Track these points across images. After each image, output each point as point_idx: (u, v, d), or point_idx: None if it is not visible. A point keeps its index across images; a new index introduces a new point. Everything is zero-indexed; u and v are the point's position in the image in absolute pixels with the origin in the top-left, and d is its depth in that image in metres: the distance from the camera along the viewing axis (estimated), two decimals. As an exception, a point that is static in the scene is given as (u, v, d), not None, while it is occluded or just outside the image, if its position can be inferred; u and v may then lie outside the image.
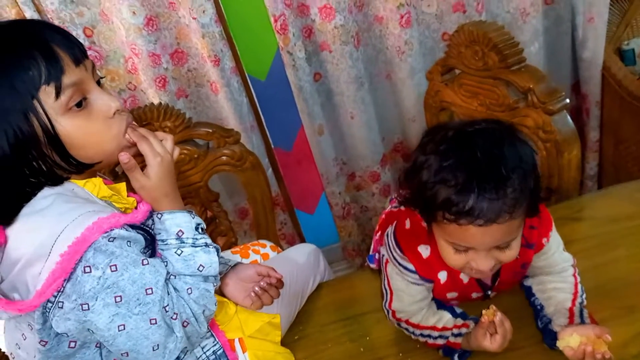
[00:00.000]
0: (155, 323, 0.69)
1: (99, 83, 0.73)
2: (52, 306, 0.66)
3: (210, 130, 1.24)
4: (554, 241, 0.85)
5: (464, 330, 0.83)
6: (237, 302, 0.90)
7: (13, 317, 0.70)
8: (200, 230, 0.78)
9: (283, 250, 1.17)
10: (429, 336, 0.85)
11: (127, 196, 0.80)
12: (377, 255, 1.02)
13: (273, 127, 1.79)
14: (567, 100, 1.08)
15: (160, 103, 1.23)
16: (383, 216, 1.03)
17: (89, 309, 0.65)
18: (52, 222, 0.66)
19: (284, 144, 1.83)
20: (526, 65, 1.14)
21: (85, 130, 0.69)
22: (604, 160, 1.89)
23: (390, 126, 1.85)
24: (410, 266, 0.84)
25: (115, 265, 0.66)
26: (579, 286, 0.85)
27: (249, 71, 1.69)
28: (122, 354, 0.70)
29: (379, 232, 1.03)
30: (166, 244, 0.75)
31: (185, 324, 0.73)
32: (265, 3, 1.51)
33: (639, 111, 1.64)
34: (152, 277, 0.69)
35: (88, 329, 0.68)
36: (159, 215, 0.76)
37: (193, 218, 0.77)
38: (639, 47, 1.82)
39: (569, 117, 1.10)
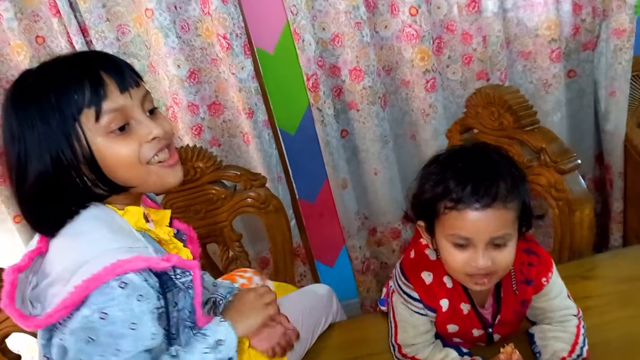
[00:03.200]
0: None
1: (152, 112, 0.78)
2: (57, 328, 0.69)
3: (239, 173, 1.32)
4: (556, 285, 0.87)
5: None
6: (256, 348, 0.90)
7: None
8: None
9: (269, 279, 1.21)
10: None
11: (169, 225, 0.85)
12: (388, 299, 1.05)
13: (299, 179, 1.87)
14: (579, 161, 1.12)
15: (195, 145, 1.33)
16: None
17: (64, 340, 0.68)
18: (80, 249, 0.70)
19: (308, 196, 1.90)
20: (539, 126, 1.19)
21: (118, 152, 0.73)
22: (628, 231, 1.88)
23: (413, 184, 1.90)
24: (415, 294, 0.87)
25: (106, 313, 0.67)
26: (581, 338, 0.85)
27: (280, 125, 1.80)
28: None
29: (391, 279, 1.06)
30: (204, 337, 0.78)
31: None
32: (300, 63, 1.64)
33: (662, 183, 1.65)
34: (129, 344, 0.69)
35: (64, 346, 0.69)
36: (222, 319, 0.82)
37: (236, 345, 0.81)
38: (661, 121, 1.86)
39: (580, 178, 1.13)
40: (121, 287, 0.67)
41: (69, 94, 0.70)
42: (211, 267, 1.42)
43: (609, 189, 1.91)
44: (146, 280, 0.70)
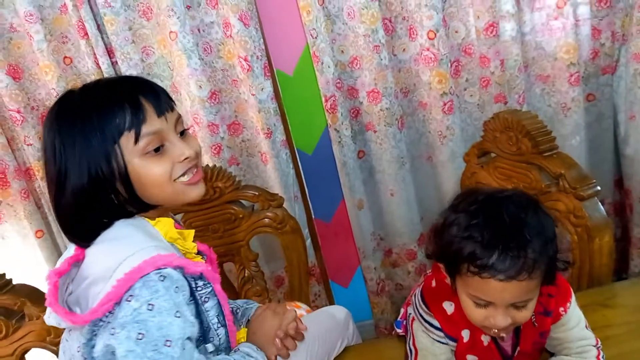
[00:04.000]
0: None
1: (183, 133, 0.83)
2: (102, 325, 0.72)
3: (257, 193, 1.34)
4: (574, 314, 0.86)
5: None
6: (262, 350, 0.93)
7: (72, 329, 0.77)
8: None
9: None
10: None
11: (193, 241, 0.88)
12: (404, 322, 1.05)
13: (315, 198, 1.88)
14: (598, 187, 1.12)
15: (215, 165, 1.35)
16: (416, 291, 1.07)
17: (114, 334, 0.70)
18: (120, 249, 0.75)
19: (324, 216, 1.91)
20: (558, 152, 1.19)
21: (153, 172, 0.78)
22: (649, 257, 1.85)
23: (429, 206, 1.90)
24: (436, 322, 0.87)
25: (153, 305, 0.71)
26: None
27: (298, 145, 1.82)
28: None
29: (409, 305, 1.06)
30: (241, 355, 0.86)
31: None
32: (318, 85, 1.67)
33: (684, 209, 1.62)
34: (177, 331, 0.72)
35: (112, 352, 0.71)
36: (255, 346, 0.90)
37: None
38: (682, 146, 1.83)
39: (599, 204, 1.12)
40: (161, 280, 0.72)
41: (111, 117, 0.75)
42: (227, 286, 1.43)
43: (629, 214, 1.88)
44: (179, 274, 0.75)
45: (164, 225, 0.83)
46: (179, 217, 1.36)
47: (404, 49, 1.70)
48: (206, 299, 0.82)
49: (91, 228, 0.78)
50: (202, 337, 0.83)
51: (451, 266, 0.79)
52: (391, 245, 1.92)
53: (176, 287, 0.74)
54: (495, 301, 0.75)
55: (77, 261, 0.79)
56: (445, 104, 1.70)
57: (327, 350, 1.06)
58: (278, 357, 0.96)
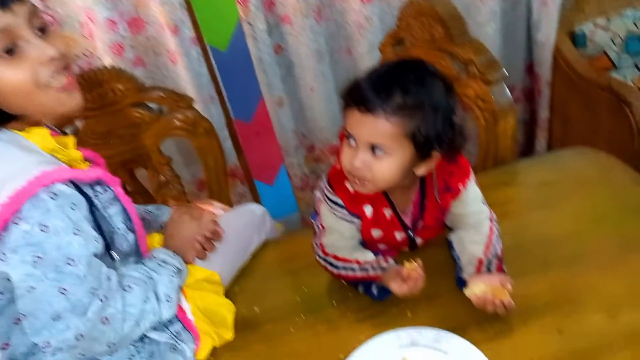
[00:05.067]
0: (65, 293, 0.68)
1: (43, 30, 0.71)
2: None
3: (163, 95, 1.26)
4: (472, 191, 0.91)
5: (383, 264, 0.88)
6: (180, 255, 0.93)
7: None
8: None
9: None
10: (351, 269, 0.91)
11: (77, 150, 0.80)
12: (317, 194, 1.06)
13: (233, 98, 1.80)
14: (505, 72, 1.14)
15: (113, 66, 1.24)
16: None
17: (4, 260, 0.65)
18: None
19: (244, 116, 1.85)
20: (470, 38, 1.18)
21: (11, 78, 0.67)
22: (553, 138, 1.97)
23: (349, 101, 1.89)
24: (339, 201, 0.90)
25: (47, 226, 0.66)
26: (494, 237, 0.90)
27: (210, 41, 1.69)
28: (21, 315, 0.69)
29: None
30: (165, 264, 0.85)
31: (105, 320, 0.73)
32: (225, -27, 1.53)
33: (586, 92, 1.71)
34: (79, 249, 0.68)
35: (6, 279, 0.67)
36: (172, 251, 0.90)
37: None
38: (589, 31, 1.89)
39: (506, 88, 1.15)
40: (52, 199, 0.66)
41: None
42: (142, 192, 1.39)
43: (537, 98, 1.97)
44: (71, 189, 0.69)
45: (37, 135, 0.74)
46: (79, 124, 1.26)
47: None
48: (108, 204, 0.78)
49: None
50: (108, 246, 0.79)
51: (344, 107, 0.82)
52: (314, 141, 1.92)
53: (72, 203, 0.69)
54: (355, 135, 0.78)
55: None
56: (362, -8, 1.63)
57: (244, 246, 1.07)
58: (196, 259, 0.96)
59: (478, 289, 0.81)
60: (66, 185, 0.69)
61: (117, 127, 1.25)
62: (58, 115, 0.76)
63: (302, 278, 1.01)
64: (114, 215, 0.79)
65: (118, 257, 0.81)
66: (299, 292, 0.98)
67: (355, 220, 0.92)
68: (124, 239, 0.81)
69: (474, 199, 0.92)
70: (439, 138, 0.77)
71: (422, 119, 0.76)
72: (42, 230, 0.65)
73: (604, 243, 0.94)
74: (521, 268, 0.91)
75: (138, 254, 0.86)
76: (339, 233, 0.92)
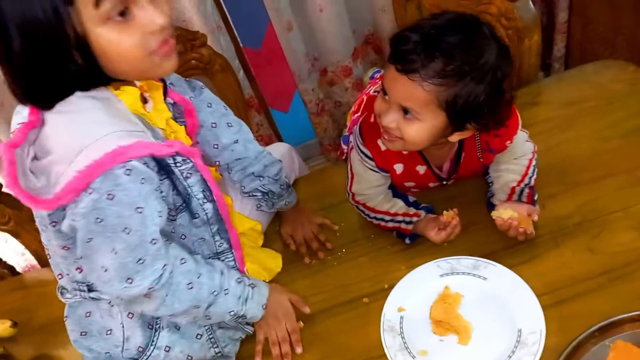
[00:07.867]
0: (115, 253, 0.71)
1: None
2: (66, 212, 0.70)
3: (175, 33, 1.21)
4: (519, 140, 0.90)
5: (414, 219, 0.92)
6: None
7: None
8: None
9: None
10: (382, 219, 0.94)
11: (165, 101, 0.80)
12: (350, 137, 1.07)
13: (240, 25, 1.75)
14: (529, -17, 1.09)
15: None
16: (364, 97, 1.07)
17: (75, 220, 0.69)
18: (79, 130, 0.68)
19: (253, 43, 1.80)
20: (491, -51, 1.12)
21: (124, 45, 0.65)
22: (572, 41, 1.91)
23: (360, 18, 1.82)
24: (369, 153, 0.90)
25: (113, 195, 0.68)
26: (531, 169, 0.91)
27: (210, -34, 1.61)
28: (80, 258, 0.75)
29: (357, 114, 1.06)
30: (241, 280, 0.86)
31: (148, 295, 0.76)
32: None
33: (608, -9, 1.63)
34: (135, 224, 0.71)
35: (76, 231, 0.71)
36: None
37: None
38: None
39: (531, 4, 1.10)
40: (127, 175, 0.68)
41: None
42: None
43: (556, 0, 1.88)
44: (146, 164, 0.70)
45: (130, 95, 0.73)
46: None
47: None
48: (188, 174, 0.78)
49: (50, 90, 0.68)
50: (185, 210, 0.81)
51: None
52: (326, 64, 1.88)
53: (142, 178, 0.70)
54: (388, 91, 0.77)
55: (33, 127, 0.71)
56: None
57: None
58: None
59: (506, 214, 0.84)
60: (140, 161, 0.69)
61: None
62: (155, 77, 0.76)
63: (337, 214, 1.05)
64: (193, 185, 0.80)
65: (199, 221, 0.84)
66: (337, 227, 1.02)
67: (384, 173, 0.93)
68: (201, 208, 0.82)
69: (520, 145, 0.91)
70: (475, 113, 0.74)
71: (460, 90, 0.72)
72: (108, 199, 0.68)
73: (634, 160, 0.95)
74: (551, 189, 0.93)
75: (220, 221, 0.87)
76: (367, 182, 0.94)
